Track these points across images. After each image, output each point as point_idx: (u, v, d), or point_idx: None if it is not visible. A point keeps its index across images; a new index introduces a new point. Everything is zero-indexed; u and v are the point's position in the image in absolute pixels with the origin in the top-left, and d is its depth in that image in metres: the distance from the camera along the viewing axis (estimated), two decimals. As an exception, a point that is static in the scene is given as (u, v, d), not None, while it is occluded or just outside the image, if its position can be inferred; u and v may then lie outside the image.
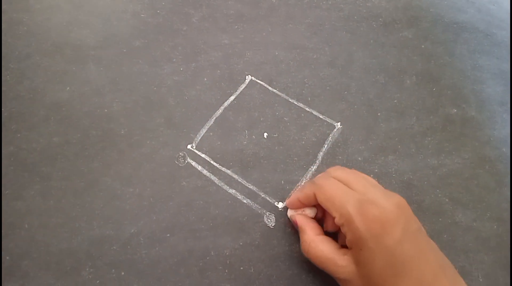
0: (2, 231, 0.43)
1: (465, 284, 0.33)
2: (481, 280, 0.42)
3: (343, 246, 0.37)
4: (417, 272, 0.32)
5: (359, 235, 0.33)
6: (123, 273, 0.41)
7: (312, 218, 0.41)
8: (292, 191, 0.46)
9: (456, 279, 0.33)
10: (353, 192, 0.36)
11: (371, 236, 0.32)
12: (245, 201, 0.45)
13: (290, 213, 0.43)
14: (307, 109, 0.50)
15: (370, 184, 0.37)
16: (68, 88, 0.50)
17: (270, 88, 0.51)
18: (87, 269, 0.41)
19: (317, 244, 0.37)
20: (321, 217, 0.41)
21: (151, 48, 0.53)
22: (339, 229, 0.37)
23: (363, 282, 0.33)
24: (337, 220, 0.35)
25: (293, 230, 0.44)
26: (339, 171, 0.39)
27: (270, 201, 0.45)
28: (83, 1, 0.55)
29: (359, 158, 0.47)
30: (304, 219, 0.40)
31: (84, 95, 0.49)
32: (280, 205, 0.45)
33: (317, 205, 0.41)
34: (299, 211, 0.41)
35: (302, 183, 0.46)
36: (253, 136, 0.48)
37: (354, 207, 0.34)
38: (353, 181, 0.37)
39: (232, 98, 0.50)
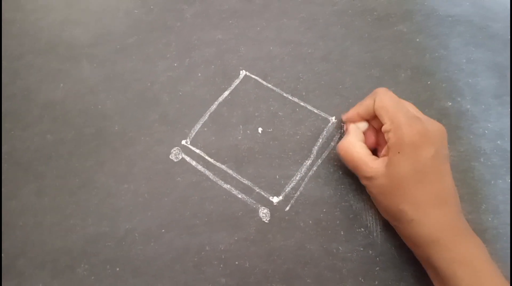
0: (-3, 229, 0.43)
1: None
2: (477, 272, 0.41)
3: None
4: (436, 186, 0.38)
5: (402, 141, 0.38)
6: (118, 270, 0.41)
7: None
8: (287, 186, 0.46)
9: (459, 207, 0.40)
10: (405, 107, 0.41)
11: (411, 145, 0.38)
12: (240, 196, 0.45)
13: (345, 125, 0.47)
14: (301, 103, 0.50)
15: (417, 109, 0.43)
16: (61, 86, 0.50)
17: (264, 83, 0.51)
18: (82, 266, 0.42)
19: (356, 147, 0.42)
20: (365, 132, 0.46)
21: (145, 45, 0.53)
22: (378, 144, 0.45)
23: (388, 180, 0.39)
24: (386, 127, 0.40)
25: (289, 225, 0.44)
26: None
27: (265, 196, 0.45)
28: (75, 0, 0.55)
29: (354, 152, 0.47)
30: (354, 127, 0.45)
31: (77, 93, 0.49)
32: (275, 199, 0.45)
33: (369, 121, 0.45)
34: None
35: (297, 178, 0.46)
36: (248, 131, 0.48)
37: (405, 118, 0.39)
38: (405, 103, 0.43)
39: (226, 93, 0.50)
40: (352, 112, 0.45)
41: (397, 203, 0.38)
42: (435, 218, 0.38)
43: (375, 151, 0.45)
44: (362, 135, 0.45)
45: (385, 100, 0.41)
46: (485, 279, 0.36)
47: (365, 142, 0.44)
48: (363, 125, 0.45)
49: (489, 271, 0.36)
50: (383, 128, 0.41)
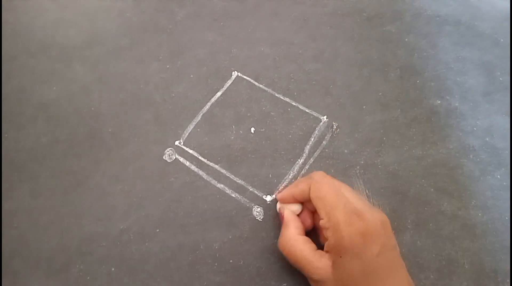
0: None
1: None
2: (467, 267, 0.42)
3: (320, 246, 0.38)
4: (386, 283, 0.34)
5: (342, 243, 0.34)
6: (113, 269, 0.42)
7: (297, 215, 0.42)
8: (280, 185, 0.46)
9: None
10: (344, 197, 0.37)
11: (353, 247, 0.34)
12: (233, 195, 0.45)
13: (279, 206, 0.43)
14: (293, 103, 0.51)
15: (357, 195, 0.38)
16: (55, 87, 0.50)
17: (256, 83, 0.52)
18: (78, 266, 0.42)
19: (297, 243, 0.38)
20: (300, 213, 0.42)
21: (137, 46, 0.53)
22: (316, 227, 0.41)
23: (336, 284, 0.35)
24: (323, 223, 0.36)
25: (281, 223, 0.44)
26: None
27: (258, 194, 0.45)
28: (69, 1, 0.56)
29: (345, 151, 0.48)
30: (290, 215, 0.41)
31: (71, 94, 0.50)
32: (268, 198, 0.45)
33: (303, 202, 0.42)
34: (287, 206, 0.42)
35: (290, 176, 0.46)
36: (241, 131, 0.49)
37: (342, 215, 0.35)
38: (342, 187, 0.38)
39: (218, 94, 0.51)
40: (286, 194, 0.42)
41: None
42: None
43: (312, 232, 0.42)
44: (300, 224, 0.40)
45: (321, 190, 0.38)
46: None
47: (305, 223, 0.41)
48: (297, 208, 0.42)
49: None
50: (321, 223, 0.37)
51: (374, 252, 0.34)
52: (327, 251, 0.36)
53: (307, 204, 0.41)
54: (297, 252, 0.37)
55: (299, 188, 0.40)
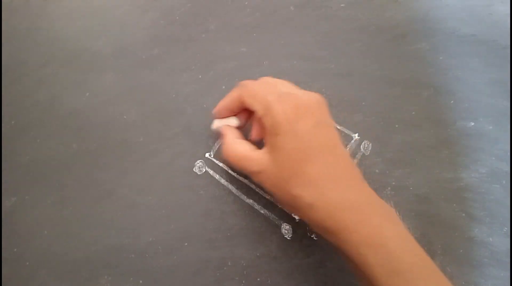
0: (20, 240, 0.43)
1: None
2: (496, 295, 0.42)
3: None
4: (327, 159, 0.34)
5: (276, 120, 0.35)
6: (141, 282, 0.42)
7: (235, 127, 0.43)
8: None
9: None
10: (276, 86, 0.39)
11: (286, 122, 0.35)
12: (262, 212, 0.45)
13: (215, 124, 0.44)
14: (324, 119, 0.50)
15: (293, 85, 0.40)
16: (85, 96, 0.50)
17: (287, 97, 0.51)
18: (105, 277, 0.42)
19: (237, 145, 0.40)
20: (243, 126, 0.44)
21: (168, 56, 0.53)
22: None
23: (275, 167, 0.35)
24: (258, 113, 0.37)
25: (311, 242, 0.44)
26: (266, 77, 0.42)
27: (288, 212, 0.45)
28: (101, 10, 0.56)
29: (376, 170, 0.47)
30: (226, 127, 0.43)
31: (101, 104, 0.50)
32: (297, 216, 0.45)
33: (240, 116, 0.43)
34: (224, 121, 0.44)
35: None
36: (271, 146, 0.48)
37: (274, 97, 0.36)
38: (278, 82, 0.40)
39: (249, 107, 0.50)
40: (220, 106, 0.43)
41: (290, 189, 0.34)
42: (333, 197, 0.33)
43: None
44: (238, 132, 0.42)
45: (251, 88, 0.39)
46: (400, 260, 0.31)
47: (252, 135, 0.41)
48: (233, 121, 0.44)
49: (404, 250, 0.32)
50: (256, 115, 0.38)
51: (308, 125, 0.35)
52: (266, 141, 0.37)
53: (242, 115, 0.43)
54: (235, 152, 0.39)
55: (231, 96, 0.42)
